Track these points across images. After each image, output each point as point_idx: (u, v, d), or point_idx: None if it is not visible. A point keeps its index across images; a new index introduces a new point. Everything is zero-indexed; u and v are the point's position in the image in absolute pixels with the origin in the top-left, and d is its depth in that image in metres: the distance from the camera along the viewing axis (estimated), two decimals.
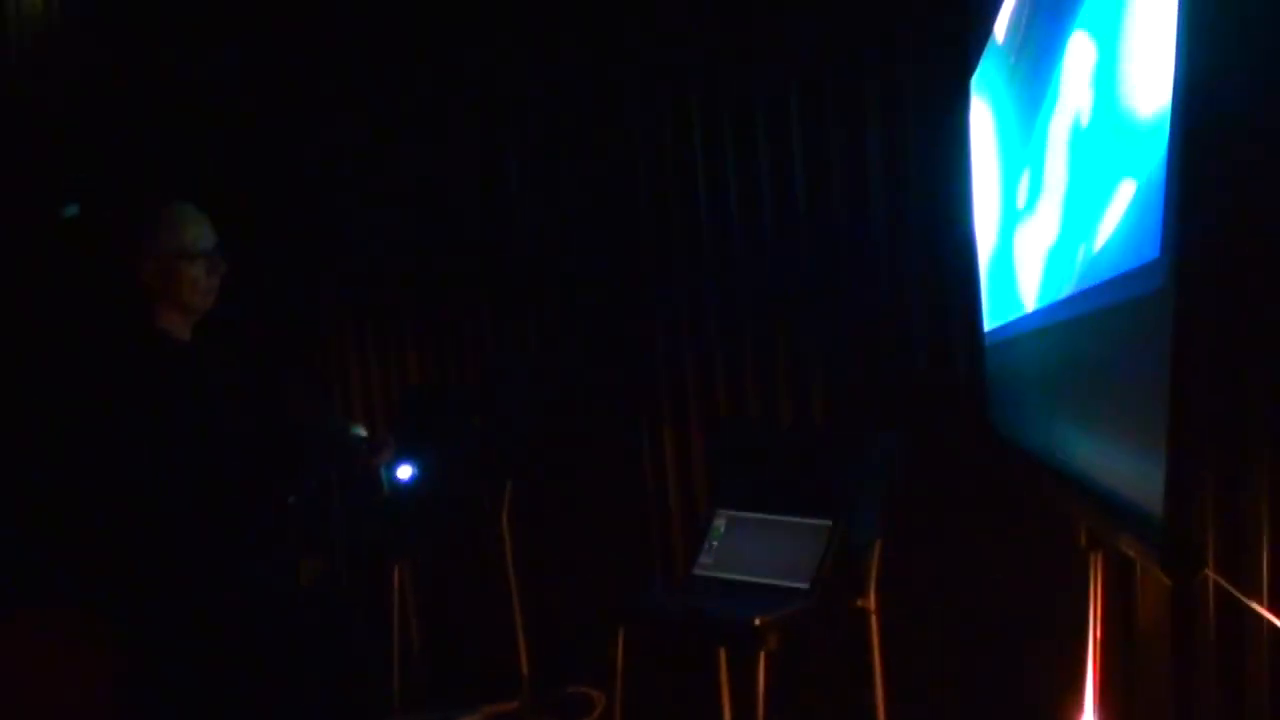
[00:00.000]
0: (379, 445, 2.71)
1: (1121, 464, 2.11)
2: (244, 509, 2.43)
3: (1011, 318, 3.12)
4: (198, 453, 2.40)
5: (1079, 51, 2.33)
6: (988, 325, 3.52)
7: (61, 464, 2.56)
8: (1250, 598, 2.54)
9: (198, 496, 2.38)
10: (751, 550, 3.62)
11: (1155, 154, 1.84)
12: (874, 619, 3.53)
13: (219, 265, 2.57)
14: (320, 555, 2.58)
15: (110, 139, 5.99)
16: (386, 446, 2.74)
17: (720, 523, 3.72)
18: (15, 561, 5.18)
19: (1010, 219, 3.11)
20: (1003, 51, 3.18)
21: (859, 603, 3.53)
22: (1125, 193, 2.02)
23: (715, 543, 3.69)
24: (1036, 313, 2.77)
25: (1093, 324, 2.26)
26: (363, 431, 2.65)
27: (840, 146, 4.09)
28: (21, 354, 5.44)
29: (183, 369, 2.48)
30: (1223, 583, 2.60)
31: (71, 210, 6.01)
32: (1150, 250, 1.87)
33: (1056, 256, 2.55)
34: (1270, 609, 2.49)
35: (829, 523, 3.49)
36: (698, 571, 3.67)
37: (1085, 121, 2.31)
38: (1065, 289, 2.45)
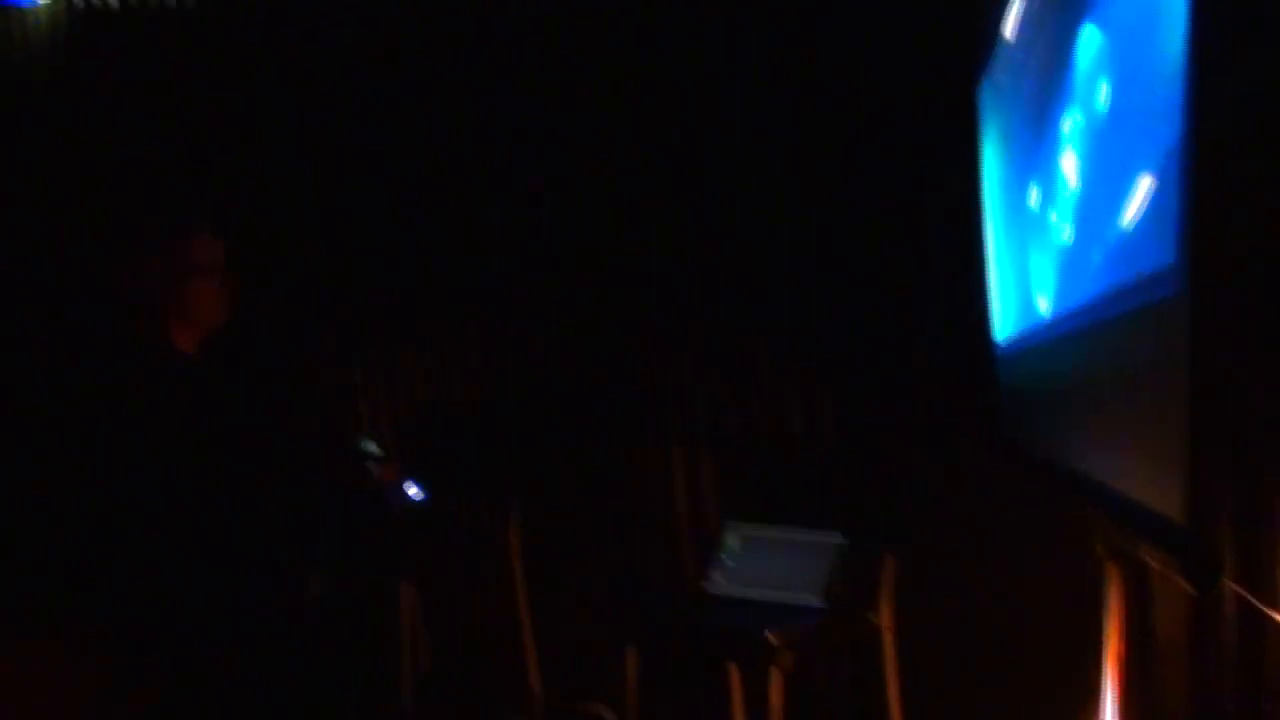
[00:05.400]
0: (388, 463, 2.70)
1: (1139, 472, 2.08)
2: (255, 524, 2.42)
3: (1024, 326, 3.09)
4: (209, 468, 2.40)
5: (1090, 48, 2.31)
6: (1000, 333, 3.50)
7: (72, 479, 2.54)
8: (1269, 607, 2.51)
9: (207, 511, 2.38)
10: (763, 566, 3.59)
11: (1171, 155, 1.81)
12: (888, 634, 3.50)
13: (230, 281, 2.57)
14: (330, 571, 2.56)
15: (108, 155, 5.97)
16: (393, 464, 2.73)
17: (731, 538, 3.69)
18: (15, 577, 5.16)
19: (1021, 224, 3.09)
20: (1012, 50, 3.14)
21: (872, 617, 3.50)
22: (1141, 196, 1.99)
23: (726, 558, 3.66)
24: (1050, 320, 2.74)
25: (1109, 331, 2.23)
26: (375, 448, 2.63)
27: (849, 152, 4.06)
28: (33, 370, 5.41)
29: (195, 385, 2.48)
30: (1242, 592, 2.57)
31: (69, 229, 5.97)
32: (1166, 255, 1.84)
33: (1071, 262, 2.53)
34: None
35: (841, 537, 3.47)
36: (709, 588, 3.64)
37: (1099, 123, 2.28)
38: (1080, 295, 2.42)
